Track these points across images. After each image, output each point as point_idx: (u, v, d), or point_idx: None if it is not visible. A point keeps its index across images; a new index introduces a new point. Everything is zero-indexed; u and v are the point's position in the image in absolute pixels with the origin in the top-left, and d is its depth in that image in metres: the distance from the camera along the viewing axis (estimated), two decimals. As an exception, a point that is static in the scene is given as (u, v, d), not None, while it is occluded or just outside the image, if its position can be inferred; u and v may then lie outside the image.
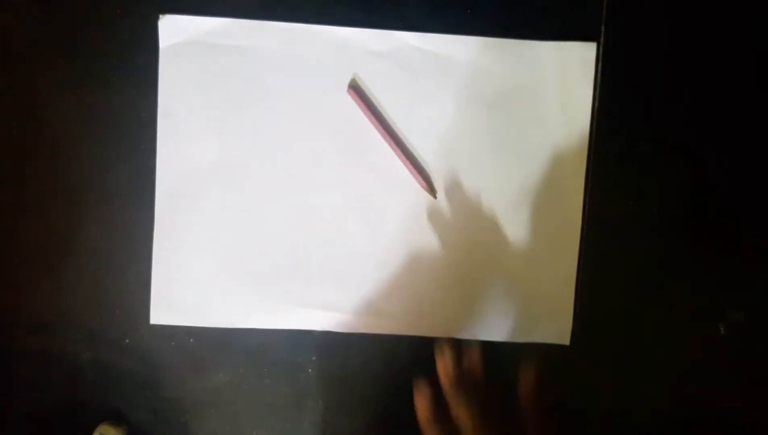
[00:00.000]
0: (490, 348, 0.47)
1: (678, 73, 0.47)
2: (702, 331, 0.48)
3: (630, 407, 0.49)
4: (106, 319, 0.47)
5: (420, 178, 0.47)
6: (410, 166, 0.47)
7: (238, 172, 0.47)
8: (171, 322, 0.47)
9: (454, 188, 0.47)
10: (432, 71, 0.47)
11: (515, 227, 0.48)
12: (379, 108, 0.47)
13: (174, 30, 0.46)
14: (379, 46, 0.46)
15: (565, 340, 0.48)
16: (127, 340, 0.47)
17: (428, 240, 0.47)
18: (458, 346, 0.46)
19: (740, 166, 0.48)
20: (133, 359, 0.47)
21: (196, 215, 0.47)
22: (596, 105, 0.47)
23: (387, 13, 0.46)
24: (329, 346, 0.48)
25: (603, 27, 0.47)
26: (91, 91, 0.46)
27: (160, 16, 0.46)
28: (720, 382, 0.48)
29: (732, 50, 0.47)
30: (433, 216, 0.47)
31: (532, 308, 0.48)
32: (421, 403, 0.44)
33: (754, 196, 0.48)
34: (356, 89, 0.46)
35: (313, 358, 0.48)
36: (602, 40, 0.47)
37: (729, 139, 0.48)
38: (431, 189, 0.47)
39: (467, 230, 0.47)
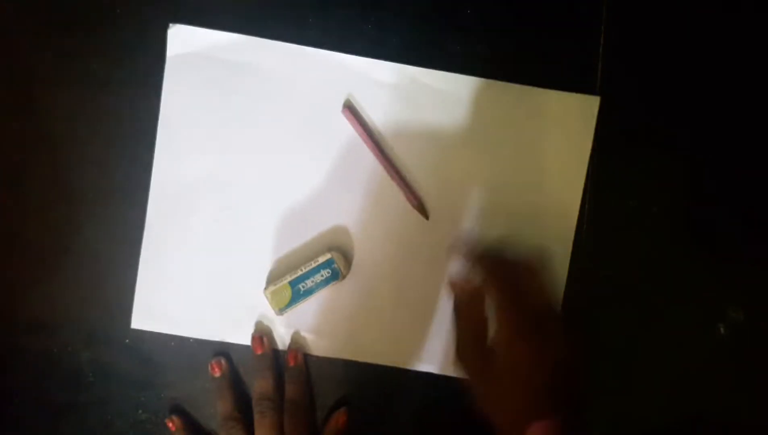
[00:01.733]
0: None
1: (678, 73, 0.47)
2: (702, 331, 0.48)
3: (630, 407, 0.49)
4: (106, 319, 0.47)
5: (412, 199, 0.46)
6: (403, 187, 0.46)
7: (232, 187, 0.47)
8: (151, 329, 0.47)
9: (446, 209, 0.47)
10: (436, 108, 0.47)
11: (507, 248, 0.47)
12: (374, 131, 0.47)
13: (182, 40, 0.46)
14: (386, 78, 0.47)
15: None
16: (127, 340, 0.47)
17: (419, 260, 0.47)
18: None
19: (740, 166, 0.48)
20: (133, 359, 0.47)
21: (187, 227, 0.47)
22: (599, 105, 0.47)
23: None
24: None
25: (603, 27, 0.47)
26: (91, 91, 0.46)
27: (170, 25, 0.46)
28: (720, 382, 0.48)
29: (733, 51, 0.47)
30: (424, 236, 0.47)
31: None
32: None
33: (754, 197, 0.48)
34: (351, 108, 0.46)
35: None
36: (602, 41, 0.47)
37: (729, 140, 0.48)
38: (422, 210, 0.47)
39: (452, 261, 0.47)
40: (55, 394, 0.47)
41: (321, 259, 0.45)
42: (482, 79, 0.47)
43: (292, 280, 0.45)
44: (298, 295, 0.45)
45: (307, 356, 0.47)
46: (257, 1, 0.46)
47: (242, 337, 0.47)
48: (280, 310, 0.45)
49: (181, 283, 0.47)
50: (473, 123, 0.47)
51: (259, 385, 0.46)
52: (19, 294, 0.47)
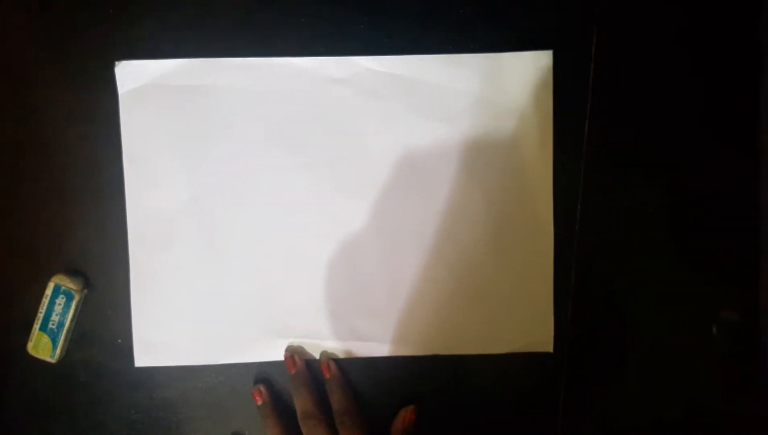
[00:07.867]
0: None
1: (675, 73, 0.47)
2: (695, 332, 0.48)
3: (624, 408, 0.49)
4: (98, 320, 0.47)
5: None
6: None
7: (211, 210, 0.47)
8: (156, 364, 0.47)
9: (426, 207, 0.47)
10: (393, 93, 0.46)
11: (489, 240, 0.47)
12: (343, 134, 0.47)
13: (131, 75, 0.46)
14: (338, 73, 0.46)
15: (548, 347, 0.48)
16: (119, 340, 0.47)
17: (404, 261, 0.47)
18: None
19: (737, 167, 0.47)
20: (125, 359, 0.47)
21: (172, 257, 0.47)
22: (592, 105, 0.47)
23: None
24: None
25: (596, 27, 0.46)
26: (87, 91, 0.46)
27: (116, 63, 0.45)
28: (712, 383, 0.48)
29: (731, 50, 0.47)
30: (409, 237, 0.47)
31: (512, 318, 0.48)
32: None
33: (750, 197, 0.48)
34: None
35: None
36: (595, 40, 0.46)
37: (726, 140, 0.47)
38: None
39: (442, 247, 0.47)
40: (47, 395, 0.47)
41: (48, 293, 0.45)
42: (433, 56, 0.46)
43: (41, 326, 0.45)
44: (54, 334, 0.45)
45: (340, 361, 0.47)
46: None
47: (249, 355, 0.47)
48: (53, 357, 0.45)
49: (176, 315, 0.47)
50: (438, 106, 0.46)
51: (300, 404, 0.45)
52: (13, 294, 0.47)
